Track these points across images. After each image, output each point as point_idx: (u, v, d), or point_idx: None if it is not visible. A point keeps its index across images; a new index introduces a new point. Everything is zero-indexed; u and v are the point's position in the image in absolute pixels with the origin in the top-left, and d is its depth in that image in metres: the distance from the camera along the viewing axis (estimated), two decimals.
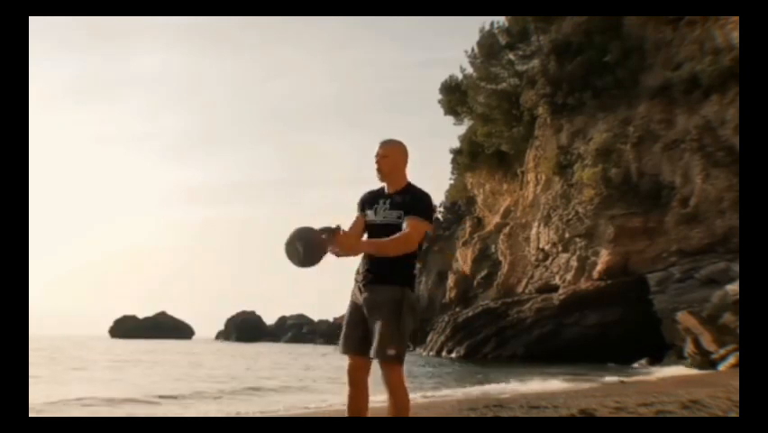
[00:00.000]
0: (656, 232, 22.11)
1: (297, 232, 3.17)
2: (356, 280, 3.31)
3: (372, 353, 3.12)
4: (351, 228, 3.34)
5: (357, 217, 3.39)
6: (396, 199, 3.27)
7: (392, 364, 3.09)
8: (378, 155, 3.31)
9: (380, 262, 3.21)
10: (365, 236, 3.34)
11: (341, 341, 3.30)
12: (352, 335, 3.25)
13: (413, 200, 3.25)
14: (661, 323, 19.35)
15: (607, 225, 23.16)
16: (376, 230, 3.28)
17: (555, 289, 24.84)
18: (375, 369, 3.25)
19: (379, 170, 3.32)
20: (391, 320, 3.11)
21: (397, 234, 3.15)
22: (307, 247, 3.11)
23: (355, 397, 3.22)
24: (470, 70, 33.19)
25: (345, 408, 3.28)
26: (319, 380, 14.98)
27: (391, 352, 3.06)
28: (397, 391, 3.10)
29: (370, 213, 3.32)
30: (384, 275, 3.20)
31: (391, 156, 3.31)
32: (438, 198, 47.21)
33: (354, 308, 3.29)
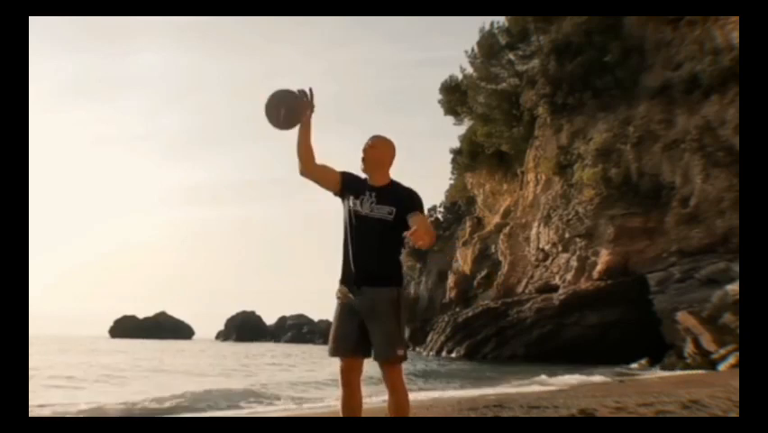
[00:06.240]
0: (656, 232, 22.11)
1: (278, 95, 3.25)
2: (346, 281, 3.24)
3: (377, 353, 3.12)
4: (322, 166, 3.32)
5: (333, 171, 3.31)
6: (383, 194, 3.23)
7: (397, 364, 3.13)
8: (366, 145, 3.29)
9: (378, 262, 3.18)
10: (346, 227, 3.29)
11: (333, 344, 3.23)
12: (347, 337, 3.19)
13: (408, 197, 3.24)
14: (661, 323, 19.34)
15: (607, 225, 23.16)
16: (363, 222, 3.21)
17: (555, 289, 24.83)
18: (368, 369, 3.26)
19: (364, 158, 3.28)
20: (395, 321, 3.13)
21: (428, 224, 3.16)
22: (288, 111, 3.22)
23: (349, 397, 3.20)
24: (470, 70, 33.22)
25: (339, 409, 3.27)
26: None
27: (400, 352, 3.10)
28: (398, 390, 3.14)
29: (354, 201, 3.25)
30: (382, 275, 3.18)
31: (380, 148, 3.29)
32: (438, 198, 47.28)
33: (346, 309, 3.23)
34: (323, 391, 11.13)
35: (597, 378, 13.78)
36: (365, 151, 3.29)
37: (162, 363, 22.32)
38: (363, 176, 3.33)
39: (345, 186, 3.30)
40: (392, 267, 3.23)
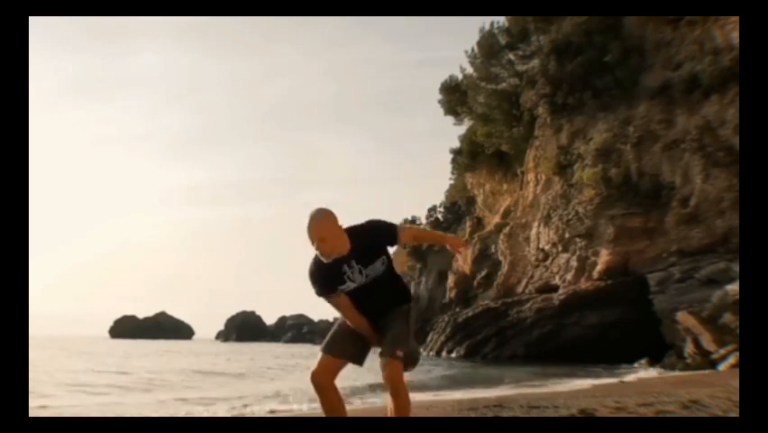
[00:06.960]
0: (656, 232, 22.10)
1: None
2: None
3: (380, 352, 3.24)
4: (348, 312, 3.31)
5: (341, 300, 3.28)
6: (359, 253, 3.21)
7: (398, 364, 3.16)
8: (314, 241, 3.12)
9: (387, 299, 3.35)
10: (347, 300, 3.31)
11: (332, 342, 3.36)
12: (346, 340, 3.35)
13: (378, 235, 3.29)
14: (661, 323, 19.33)
15: (607, 225, 23.15)
16: (364, 289, 3.25)
17: (555, 289, 24.83)
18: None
19: (322, 254, 3.15)
20: (403, 326, 3.30)
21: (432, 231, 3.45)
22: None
23: (328, 397, 3.25)
24: (470, 70, 33.23)
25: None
26: None
27: (399, 353, 3.17)
28: (399, 390, 3.16)
29: (347, 285, 3.23)
30: (393, 305, 3.37)
31: (329, 238, 3.13)
32: (438, 198, 47.40)
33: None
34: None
35: (632, 377, 14.03)
36: (318, 248, 3.14)
37: (218, 364, 22.67)
38: (322, 258, 3.18)
39: (334, 290, 3.25)
40: (404, 291, 3.45)
